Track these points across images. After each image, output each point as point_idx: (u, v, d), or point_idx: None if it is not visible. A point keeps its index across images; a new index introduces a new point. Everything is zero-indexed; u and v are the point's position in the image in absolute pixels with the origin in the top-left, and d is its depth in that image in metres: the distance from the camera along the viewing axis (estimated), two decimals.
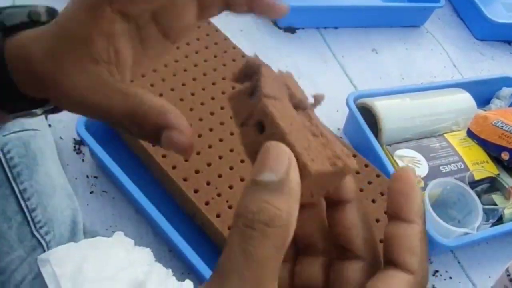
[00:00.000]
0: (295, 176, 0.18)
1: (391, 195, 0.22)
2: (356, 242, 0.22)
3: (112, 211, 0.67)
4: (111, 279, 0.44)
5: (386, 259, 0.21)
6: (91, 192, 0.68)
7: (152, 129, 0.24)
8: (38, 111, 0.29)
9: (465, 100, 0.85)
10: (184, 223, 0.63)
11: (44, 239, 0.49)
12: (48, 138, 0.58)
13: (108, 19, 0.25)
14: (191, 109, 0.67)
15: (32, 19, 0.29)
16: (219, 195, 0.60)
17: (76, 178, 0.69)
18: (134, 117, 0.24)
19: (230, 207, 0.59)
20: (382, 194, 0.64)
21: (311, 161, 0.19)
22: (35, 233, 0.49)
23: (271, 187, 0.17)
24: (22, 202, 0.49)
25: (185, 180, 0.61)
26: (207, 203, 0.59)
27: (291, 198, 0.18)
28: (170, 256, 0.64)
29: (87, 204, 0.67)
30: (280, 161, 0.18)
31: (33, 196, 0.50)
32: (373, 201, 0.63)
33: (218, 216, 0.58)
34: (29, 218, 0.49)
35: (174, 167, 0.61)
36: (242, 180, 0.62)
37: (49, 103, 0.29)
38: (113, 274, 0.45)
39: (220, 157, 0.63)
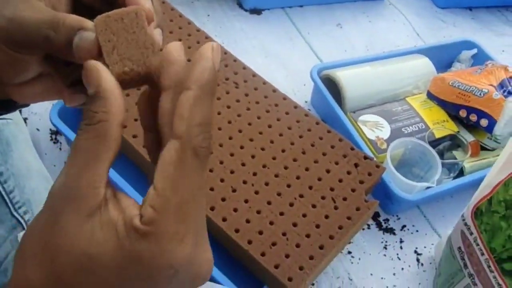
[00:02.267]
0: (106, 84, 0.24)
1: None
2: (163, 130, 0.25)
3: None
4: None
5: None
6: None
7: (68, 31, 0.27)
8: None
9: (424, 64, 0.89)
10: None
11: (23, 218, 0.52)
12: (21, 126, 0.61)
13: None
14: None
15: None
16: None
17: (54, 165, 0.72)
18: (53, 19, 0.27)
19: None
20: (344, 156, 0.67)
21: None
22: (14, 213, 0.52)
23: (92, 98, 0.24)
24: None
25: None
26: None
27: (107, 100, 0.24)
28: None
29: None
30: (93, 76, 0.24)
31: (10, 179, 0.53)
32: (336, 163, 0.67)
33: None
34: (7, 200, 0.52)
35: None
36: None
37: None
38: None
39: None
